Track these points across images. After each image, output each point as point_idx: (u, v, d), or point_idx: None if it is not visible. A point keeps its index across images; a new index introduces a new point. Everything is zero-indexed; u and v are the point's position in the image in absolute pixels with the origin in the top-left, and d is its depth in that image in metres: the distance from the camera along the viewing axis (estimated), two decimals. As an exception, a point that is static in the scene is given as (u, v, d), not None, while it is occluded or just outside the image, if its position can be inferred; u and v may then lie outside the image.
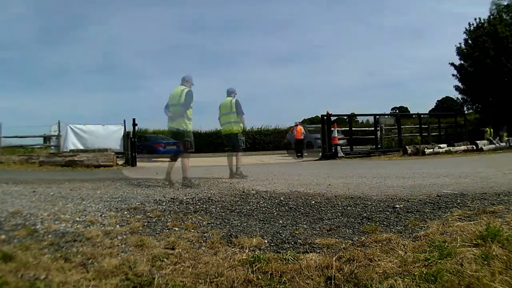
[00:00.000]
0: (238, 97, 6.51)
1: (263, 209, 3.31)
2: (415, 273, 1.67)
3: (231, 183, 5.28)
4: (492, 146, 12.95)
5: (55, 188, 4.78)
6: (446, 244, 1.99)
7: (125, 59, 63.47)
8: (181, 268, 1.83)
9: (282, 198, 3.77)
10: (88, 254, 1.96)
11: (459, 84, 17.74)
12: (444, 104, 35.34)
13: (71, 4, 56.54)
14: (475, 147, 12.66)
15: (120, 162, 11.05)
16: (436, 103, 38.90)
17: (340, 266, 1.83)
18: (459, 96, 18.62)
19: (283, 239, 2.36)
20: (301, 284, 1.68)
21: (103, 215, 2.98)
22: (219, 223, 2.80)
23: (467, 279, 1.59)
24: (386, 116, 17.36)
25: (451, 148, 12.58)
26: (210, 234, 2.45)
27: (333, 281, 1.69)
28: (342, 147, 12.64)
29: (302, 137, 14.10)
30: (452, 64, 17.66)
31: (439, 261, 1.78)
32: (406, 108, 38.88)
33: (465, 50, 17.16)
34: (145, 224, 2.72)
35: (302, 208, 3.29)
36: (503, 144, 13.21)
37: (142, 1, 62.03)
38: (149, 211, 3.19)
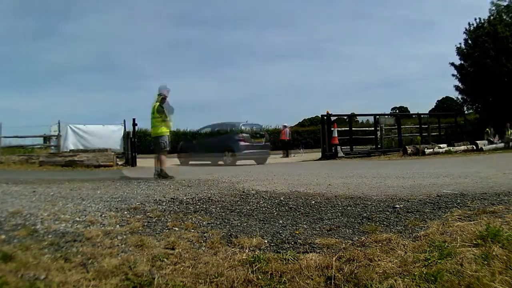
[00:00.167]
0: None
1: (263, 209, 3.31)
2: (415, 273, 1.67)
3: (231, 183, 5.28)
4: (492, 146, 12.95)
5: (55, 188, 4.78)
6: (446, 244, 1.99)
7: (125, 59, 63.47)
8: (181, 268, 1.83)
9: (282, 198, 3.76)
10: (88, 254, 1.96)
11: (459, 84, 17.75)
12: (444, 104, 35.35)
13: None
14: (475, 147, 12.66)
15: (120, 162, 11.06)
16: (436, 103, 38.97)
17: (340, 266, 1.83)
18: (459, 96, 18.62)
19: (283, 239, 2.35)
20: (301, 284, 1.68)
21: (103, 215, 2.98)
22: (219, 223, 2.80)
23: (467, 279, 1.59)
24: (386, 116, 17.34)
25: (451, 148, 12.58)
26: (210, 234, 2.45)
27: (333, 281, 1.69)
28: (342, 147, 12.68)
29: (287, 138, 15.45)
30: (452, 64, 17.67)
31: (439, 261, 1.78)
32: (406, 108, 38.89)
33: (465, 50, 17.16)
34: (145, 224, 2.72)
35: (302, 208, 3.29)
36: (502, 144, 13.21)
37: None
38: (149, 211, 3.19)
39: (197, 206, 3.43)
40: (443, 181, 4.75)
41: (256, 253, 2.04)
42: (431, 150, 12.12)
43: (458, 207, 3.01)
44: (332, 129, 12.19)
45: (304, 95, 63.76)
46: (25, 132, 12.53)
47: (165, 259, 1.93)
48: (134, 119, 11.10)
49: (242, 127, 11.62)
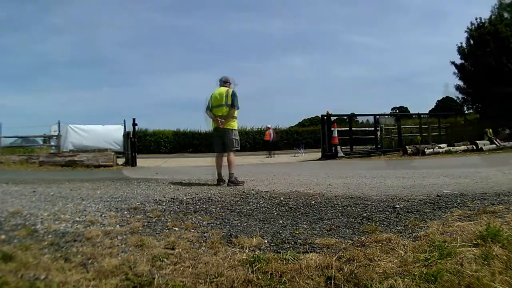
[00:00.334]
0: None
1: (263, 209, 3.31)
2: (415, 273, 1.67)
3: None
4: (493, 146, 12.93)
5: (55, 188, 4.78)
6: (446, 244, 1.99)
7: (116, 52, 62.79)
8: (181, 268, 1.83)
9: (282, 198, 3.76)
10: (88, 254, 1.96)
11: (460, 83, 17.76)
12: (444, 104, 35.33)
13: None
14: (475, 147, 12.64)
15: (120, 162, 11.06)
16: (436, 103, 38.95)
17: (340, 266, 1.83)
18: (459, 96, 18.63)
19: (283, 239, 2.35)
20: (301, 284, 1.68)
21: (103, 215, 2.98)
22: (219, 223, 2.80)
23: (467, 279, 1.58)
24: (386, 116, 17.38)
25: (451, 148, 12.57)
26: (210, 234, 2.45)
27: (333, 281, 1.69)
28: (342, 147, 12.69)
29: (270, 139, 16.23)
30: (453, 63, 17.69)
31: (439, 261, 1.78)
32: (406, 108, 38.94)
33: (466, 50, 17.16)
34: (145, 224, 2.72)
35: (302, 208, 3.29)
36: (503, 144, 13.19)
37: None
38: (149, 211, 3.19)
39: (197, 206, 3.43)
40: (443, 181, 4.75)
41: (256, 253, 2.04)
42: (431, 150, 12.11)
43: (458, 207, 3.01)
44: (332, 129, 12.18)
45: (305, 94, 63.58)
46: (25, 132, 12.57)
47: (165, 259, 1.93)
48: (134, 119, 11.13)
49: None
